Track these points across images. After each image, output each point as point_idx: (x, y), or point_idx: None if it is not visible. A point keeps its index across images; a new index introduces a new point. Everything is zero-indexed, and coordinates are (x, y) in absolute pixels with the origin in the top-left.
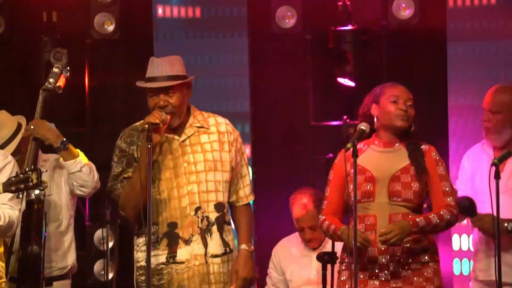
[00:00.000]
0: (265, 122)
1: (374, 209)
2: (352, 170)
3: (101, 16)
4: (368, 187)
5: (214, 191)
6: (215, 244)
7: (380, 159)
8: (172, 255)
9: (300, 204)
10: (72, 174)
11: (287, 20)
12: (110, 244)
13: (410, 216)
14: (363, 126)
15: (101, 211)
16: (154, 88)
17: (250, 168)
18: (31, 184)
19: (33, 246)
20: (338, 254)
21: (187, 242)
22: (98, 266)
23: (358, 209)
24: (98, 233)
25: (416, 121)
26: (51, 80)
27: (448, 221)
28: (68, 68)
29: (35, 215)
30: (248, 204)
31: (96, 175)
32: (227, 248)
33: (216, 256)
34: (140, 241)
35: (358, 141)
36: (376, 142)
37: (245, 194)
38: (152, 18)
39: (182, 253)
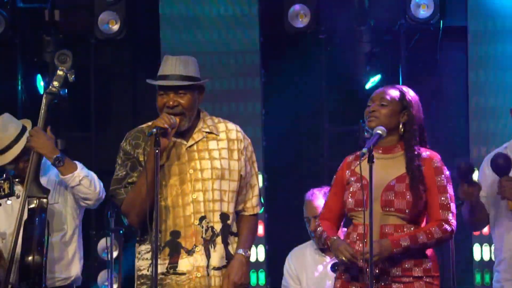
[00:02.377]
0: (278, 125)
1: (367, 218)
2: (352, 178)
3: (105, 15)
4: (362, 195)
5: (219, 201)
6: (217, 256)
7: (378, 166)
8: (173, 266)
9: (310, 193)
10: (73, 188)
11: (300, 19)
12: (115, 253)
13: (396, 234)
14: (380, 130)
15: (105, 219)
16: (165, 87)
17: (262, 174)
18: (2, 193)
19: (34, 256)
20: None
21: (190, 252)
22: (102, 276)
23: (352, 217)
24: (102, 242)
25: (409, 123)
26: (55, 83)
27: (438, 239)
28: (73, 70)
29: (37, 224)
30: (255, 215)
31: (98, 186)
32: (231, 261)
33: (217, 268)
34: (142, 248)
35: (375, 145)
36: (376, 149)
37: (252, 205)
38: (159, 17)
39: (184, 264)
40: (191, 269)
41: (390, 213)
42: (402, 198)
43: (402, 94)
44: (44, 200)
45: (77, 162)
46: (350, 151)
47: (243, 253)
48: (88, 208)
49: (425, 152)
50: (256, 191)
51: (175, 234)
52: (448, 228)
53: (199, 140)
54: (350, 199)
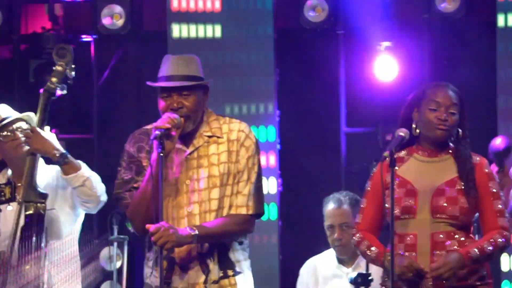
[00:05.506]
0: (293, 127)
1: (414, 226)
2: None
3: (109, 9)
4: (409, 201)
5: (215, 210)
6: (217, 268)
7: (423, 169)
8: (166, 281)
9: (335, 199)
10: (75, 189)
11: (317, 13)
12: (118, 263)
13: (463, 245)
14: (402, 132)
15: (108, 227)
16: (168, 88)
17: (276, 179)
18: (3, 199)
19: (31, 265)
20: (374, 275)
21: (184, 269)
22: None
23: (397, 226)
24: (105, 252)
25: (464, 127)
26: (53, 79)
27: (502, 247)
28: (73, 66)
29: (34, 231)
30: (244, 216)
31: (101, 189)
32: (230, 271)
33: (214, 282)
34: (148, 255)
35: (397, 149)
36: (419, 151)
37: (237, 204)
38: (167, 11)
39: (178, 280)
40: (186, 286)
41: (441, 220)
42: (454, 204)
43: (461, 98)
44: (42, 205)
45: (80, 162)
46: (370, 155)
47: (190, 230)
48: (88, 213)
49: (475, 157)
50: (245, 191)
51: (169, 248)
52: (508, 234)
53: (199, 146)
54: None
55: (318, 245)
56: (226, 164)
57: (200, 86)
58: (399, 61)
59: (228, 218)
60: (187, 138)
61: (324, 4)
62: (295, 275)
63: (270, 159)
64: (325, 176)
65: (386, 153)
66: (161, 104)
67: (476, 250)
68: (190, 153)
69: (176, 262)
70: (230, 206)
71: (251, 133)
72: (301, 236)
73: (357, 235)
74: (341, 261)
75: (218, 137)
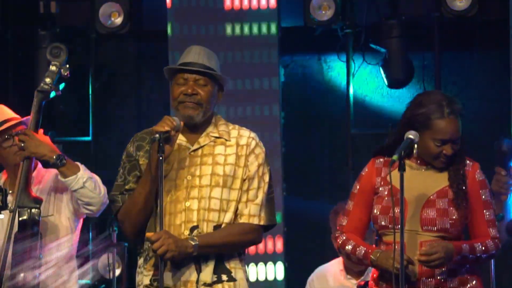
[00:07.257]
0: (298, 129)
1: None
2: (383, 188)
3: (107, 7)
4: (397, 211)
5: (217, 211)
6: (209, 271)
7: (414, 178)
8: (157, 278)
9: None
10: (75, 191)
11: (323, 11)
12: (117, 271)
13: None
14: (412, 135)
15: (106, 233)
16: (187, 74)
17: (281, 183)
18: None
19: (25, 273)
20: None
21: (177, 266)
22: None
23: (384, 236)
24: (104, 259)
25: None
26: (47, 80)
27: (491, 255)
28: (68, 66)
29: (28, 238)
30: (255, 226)
31: (103, 189)
32: (224, 276)
33: (208, 285)
34: (141, 262)
35: (406, 152)
36: (411, 157)
37: (249, 213)
38: (167, 8)
39: (170, 277)
40: (178, 284)
41: (431, 233)
42: (444, 216)
43: (461, 114)
44: (36, 211)
45: (78, 163)
46: None
47: (191, 240)
48: (90, 216)
49: (468, 163)
50: (258, 201)
51: (169, 258)
52: (500, 245)
53: (205, 145)
54: (382, 216)
55: (325, 252)
56: (233, 166)
57: (217, 83)
58: (408, 61)
59: (234, 227)
60: (192, 136)
61: (331, 2)
62: (301, 283)
63: (275, 163)
64: (331, 180)
65: (395, 157)
66: (175, 90)
67: (467, 246)
68: (194, 150)
69: (170, 264)
70: (240, 215)
71: (261, 143)
72: (307, 243)
73: (342, 236)
74: (350, 273)
75: (226, 140)
